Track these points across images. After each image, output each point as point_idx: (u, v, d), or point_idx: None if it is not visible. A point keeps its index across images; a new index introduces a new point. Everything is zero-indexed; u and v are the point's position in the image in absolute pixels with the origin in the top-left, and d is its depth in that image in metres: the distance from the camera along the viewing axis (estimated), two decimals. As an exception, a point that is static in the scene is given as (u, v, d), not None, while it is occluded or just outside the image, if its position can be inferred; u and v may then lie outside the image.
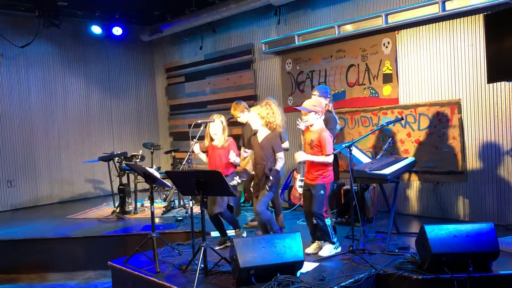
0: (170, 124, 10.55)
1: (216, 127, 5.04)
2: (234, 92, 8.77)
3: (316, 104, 4.55)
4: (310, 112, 4.49)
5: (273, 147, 4.85)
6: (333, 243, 4.64)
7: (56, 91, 9.14)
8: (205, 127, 5.38)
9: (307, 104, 4.57)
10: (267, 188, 4.81)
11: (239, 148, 5.38)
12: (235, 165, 5.12)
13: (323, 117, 4.60)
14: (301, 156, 4.48)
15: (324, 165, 4.50)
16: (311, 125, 4.57)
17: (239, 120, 5.86)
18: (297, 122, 5.20)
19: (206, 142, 5.16)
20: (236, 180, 5.04)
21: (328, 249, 4.61)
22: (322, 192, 4.50)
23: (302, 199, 6.68)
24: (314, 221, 4.59)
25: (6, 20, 8.43)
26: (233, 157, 4.91)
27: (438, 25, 5.99)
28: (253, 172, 5.29)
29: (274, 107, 4.96)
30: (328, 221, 4.60)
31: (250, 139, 5.20)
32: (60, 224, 6.97)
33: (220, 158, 5.03)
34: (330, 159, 4.46)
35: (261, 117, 4.85)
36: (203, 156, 5.26)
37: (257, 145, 4.92)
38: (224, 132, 5.06)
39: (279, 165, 4.87)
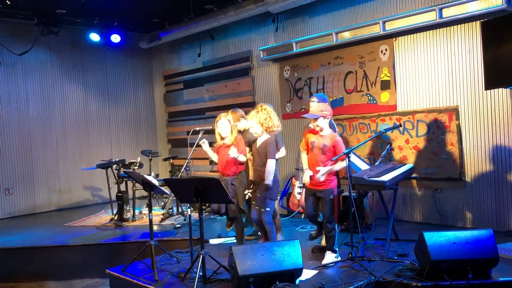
0: (168, 131, 10.55)
1: (224, 126, 5.08)
2: (233, 99, 8.78)
3: (323, 109, 4.63)
4: (319, 118, 4.55)
5: (266, 152, 4.80)
6: (335, 251, 4.66)
7: (54, 98, 9.13)
8: (204, 133, 5.40)
9: (314, 110, 4.65)
10: (266, 198, 4.81)
11: None
12: (240, 163, 5.13)
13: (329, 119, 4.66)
14: (321, 172, 4.47)
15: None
16: (321, 129, 4.62)
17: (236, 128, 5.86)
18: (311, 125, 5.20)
19: (218, 142, 5.20)
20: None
21: (330, 258, 4.63)
22: (332, 197, 4.57)
23: (300, 205, 6.71)
24: (322, 224, 4.69)
25: (5, 27, 8.44)
26: (233, 153, 4.93)
27: (436, 32, 6.02)
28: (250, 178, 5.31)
29: (268, 109, 5.00)
30: (336, 227, 4.68)
31: (251, 146, 5.21)
32: (58, 232, 6.94)
33: (229, 157, 5.04)
34: (344, 163, 4.51)
35: (261, 124, 4.86)
36: (212, 154, 5.28)
37: (256, 151, 4.93)
38: (233, 130, 5.10)
39: (268, 178, 4.72)
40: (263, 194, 4.78)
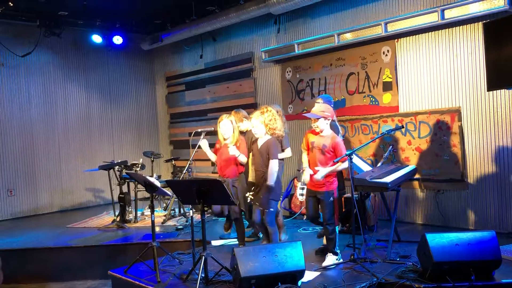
0: (170, 132, 10.56)
1: (227, 127, 5.07)
2: (234, 100, 8.78)
3: (324, 110, 4.62)
4: (319, 118, 4.54)
5: (268, 153, 4.76)
6: (336, 253, 4.65)
7: (56, 100, 9.15)
8: (206, 135, 5.40)
9: (316, 110, 4.63)
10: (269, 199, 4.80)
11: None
12: (241, 163, 5.11)
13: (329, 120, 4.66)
14: (321, 173, 4.46)
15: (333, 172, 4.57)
16: (321, 131, 4.61)
17: (238, 129, 5.86)
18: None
19: (222, 142, 5.17)
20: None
21: (331, 260, 4.62)
22: (331, 199, 4.56)
23: (302, 207, 6.71)
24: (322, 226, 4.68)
25: (7, 29, 8.46)
26: (232, 150, 4.90)
27: (438, 33, 6.01)
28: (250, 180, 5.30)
29: (274, 111, 4.99)
30: (337, 229, 4.66)
31: (251, 146, 5.20)
32: (60, 233, 6.95)
33: (230, 155, 5.02)
34: (346, 164, 4.50)
35: (265, 125, 4.85)
36: (211, 155, 5.25)
37: (257, 151, 4.91)
38: (235, 131, 5.08)
39: (271, 179, 4.67)
40: (266, 195, 4.77)
